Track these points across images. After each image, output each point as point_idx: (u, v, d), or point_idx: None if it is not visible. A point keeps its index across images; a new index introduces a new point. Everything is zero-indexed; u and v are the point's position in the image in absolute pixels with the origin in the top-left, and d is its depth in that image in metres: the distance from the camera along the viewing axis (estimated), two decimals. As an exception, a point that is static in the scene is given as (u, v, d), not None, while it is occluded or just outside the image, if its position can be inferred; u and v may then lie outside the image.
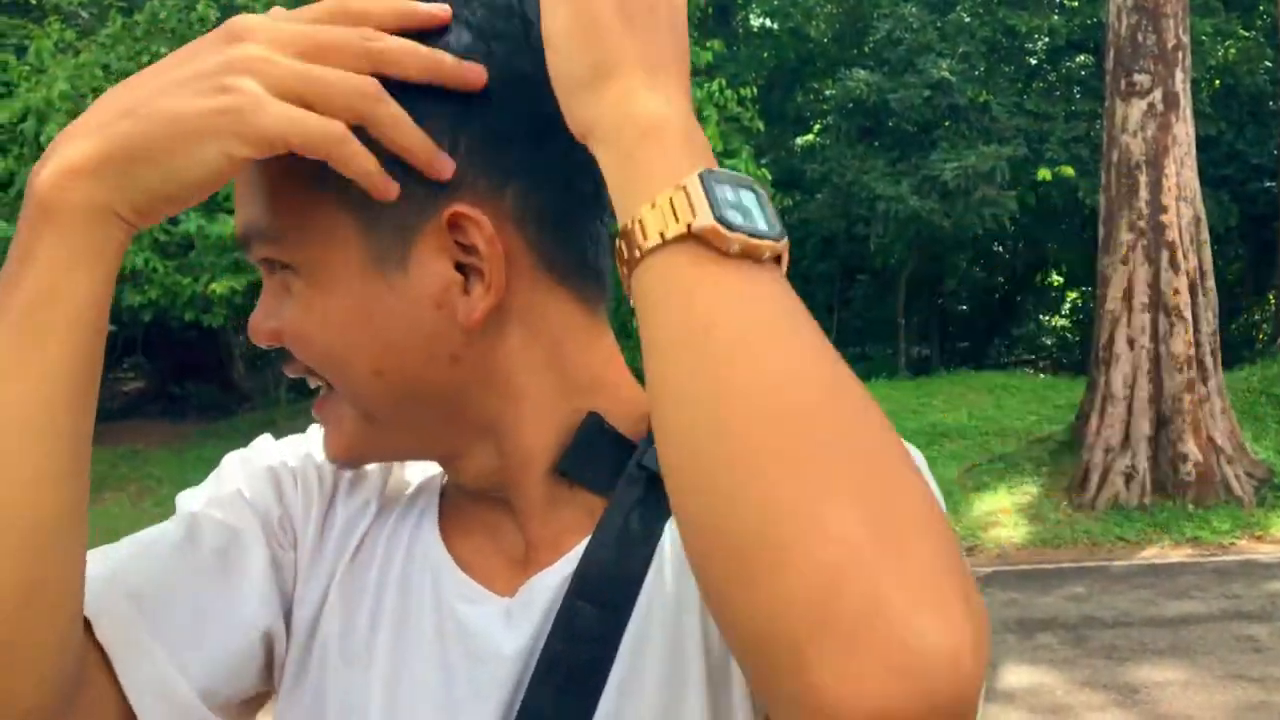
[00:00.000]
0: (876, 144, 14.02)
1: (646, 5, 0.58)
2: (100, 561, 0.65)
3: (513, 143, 0.62)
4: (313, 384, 0.68)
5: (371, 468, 0.75)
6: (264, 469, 0.74)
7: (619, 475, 0.66)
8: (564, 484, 0.67)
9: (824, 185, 13.77)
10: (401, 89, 0.59)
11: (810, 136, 14.90)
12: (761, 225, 0.53)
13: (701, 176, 0.53)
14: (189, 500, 0.72)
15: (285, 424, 11.30)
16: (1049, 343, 19.55)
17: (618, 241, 0.55)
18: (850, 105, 13.49)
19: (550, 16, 0.58)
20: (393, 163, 0.60)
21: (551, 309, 0.65)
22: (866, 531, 0.45)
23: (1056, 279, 18.93)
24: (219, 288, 9.81)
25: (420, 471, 0.76)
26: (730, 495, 0.47)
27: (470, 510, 0.71)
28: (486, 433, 0.66)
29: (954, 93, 13.07)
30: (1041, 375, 14.50)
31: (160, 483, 9.94)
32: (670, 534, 0.65)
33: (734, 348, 0.50)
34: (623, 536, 0.65)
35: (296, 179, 0.61)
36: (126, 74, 10.66)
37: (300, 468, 0.74)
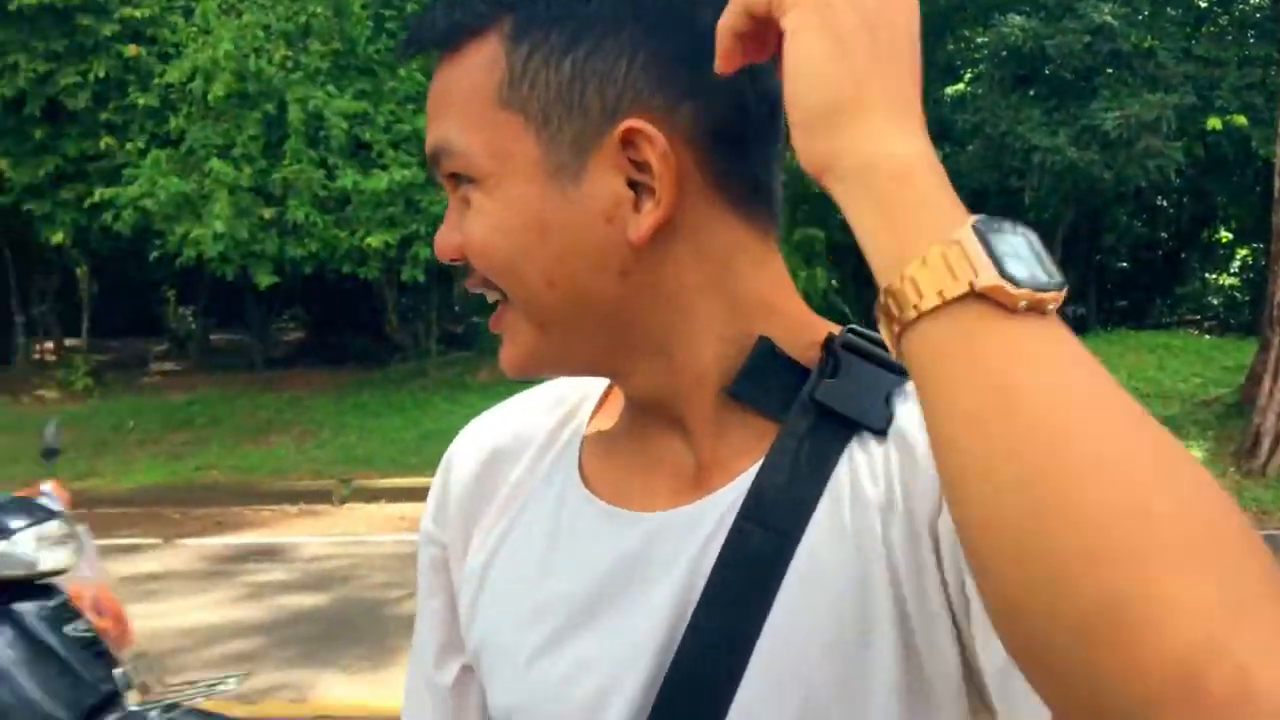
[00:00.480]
0: (1032, 93, 13.42)
1: (893, 33, 0.55)
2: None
3: (689, 62, 0.63)
4: (491, 298, 0.70)
5: (508, 452, 0.79)
6: (424, 535, 0.83)
7: (790, 400, 0.67)
8: (734, 406, 0.68)
9: (975, 136, 13.28)
10: (584, 6, 0.64)
11: (961, 86, 14.37)
12: (1043, 275, 0.50)
13: (976, 228, 0.50)
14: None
15: (435, 374, 11.66)
16: (1215, 302, 18.47)
17: (883, 299, 0.52)
18: (1004, 53, 12.94)
19: (797, 43, 0.54)
20: (573, 78, 0.64)
21: (721, 230, 0.67)
22: (1224, 604, 0.43)
23: (1225, 235, 17.83)
24: (374, 241, 10.15)
25: (558, 432, 0.78)
26: (1064, 577, 0.45)
27: (626, 439, 0.74)
28: (656, 349, 0.68)
29: (1116, 38, 12.38)
30: (1207, 336, 13.75)
31: (321, 426, 10.41)
32: (846, 469, 0.65)
33: (1042, 416, 0.47)
34: (794, 465, 0.66)
35: (483, 97, 0.66)
36: (285, 34, 11.01)
37: (444, 499, 0.81)
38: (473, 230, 0.67)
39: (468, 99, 0.66)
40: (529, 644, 0.72)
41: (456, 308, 15.28)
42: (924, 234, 0.51)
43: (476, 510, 0.78)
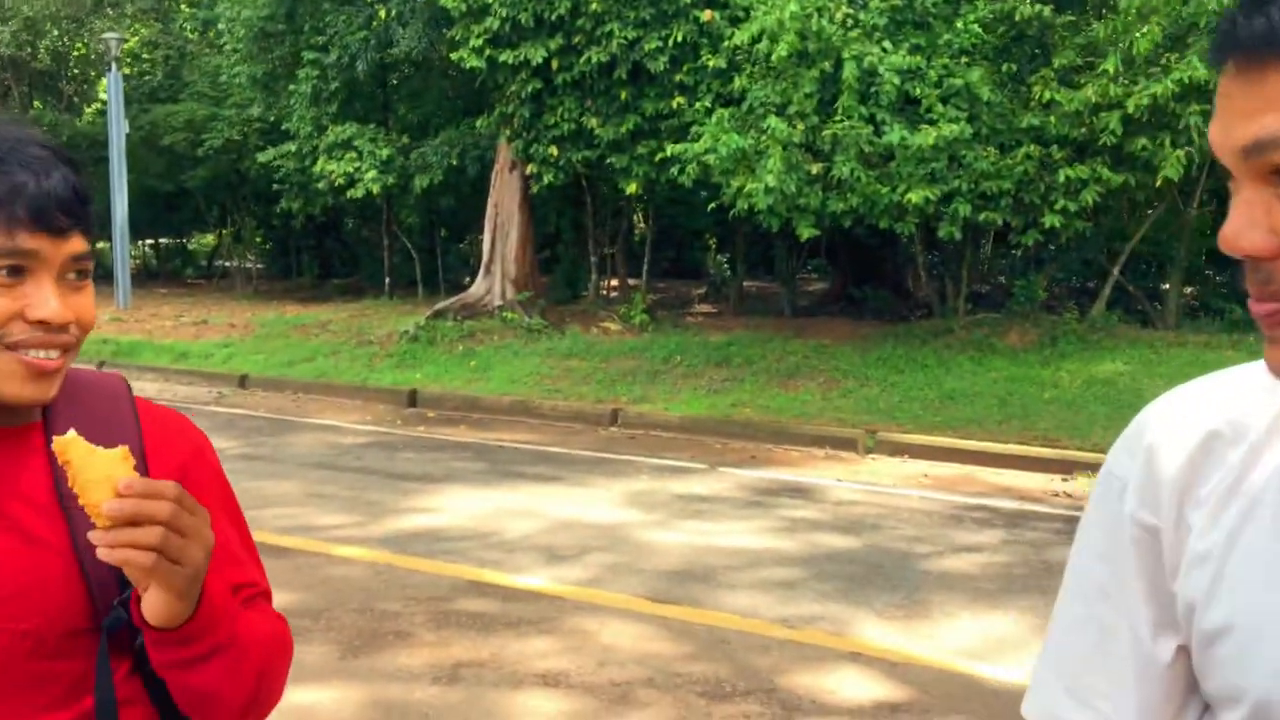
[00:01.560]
0: None
1: None
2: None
3: None
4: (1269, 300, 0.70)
5: (1224, 436, 0.78)
6: (1122, 515, 0.82)
7: None
8: None
9: None
10: None
11: None
12: None
13: None
14: (1072, 574, 0.87)
15: (961, 333, 11.49)
16: None
17: None
18: None
19: None
20: None
21: None
22: None
23: None
24: (914, 197, 10.17)
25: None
26: None
27: None
28: None
29: None
30: None
31: (844, 376, 10.73)
32: None
33: None
34: None
35: None
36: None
37: (1150, 483, 0.81)
38: None
39: None
40: None
41: (985, 267, 14.89)
42: None
43: (1190, 493, 0.79)
